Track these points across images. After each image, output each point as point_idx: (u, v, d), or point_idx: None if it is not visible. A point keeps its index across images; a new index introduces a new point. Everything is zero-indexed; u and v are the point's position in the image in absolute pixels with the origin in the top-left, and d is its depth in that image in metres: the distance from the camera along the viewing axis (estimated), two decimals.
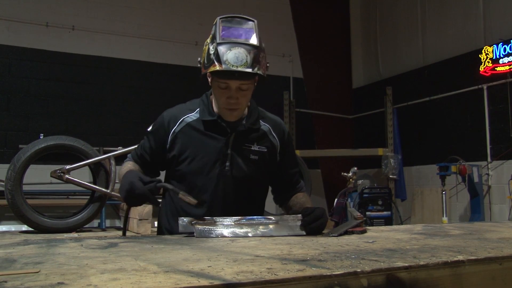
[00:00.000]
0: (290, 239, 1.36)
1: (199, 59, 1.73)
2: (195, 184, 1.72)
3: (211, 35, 1.68)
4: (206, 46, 1.68)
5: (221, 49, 1.60)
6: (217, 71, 1.60)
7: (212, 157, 1.72)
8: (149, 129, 1.87)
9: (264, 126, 1.82)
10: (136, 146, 1.95)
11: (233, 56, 1.59)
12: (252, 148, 1.76)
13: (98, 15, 6.25)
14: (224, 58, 1.59)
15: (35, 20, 5.89)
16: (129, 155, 1.91)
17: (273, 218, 1.51)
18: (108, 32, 6.27)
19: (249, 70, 1.60)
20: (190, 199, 1.55)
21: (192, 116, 1.77)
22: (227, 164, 1.72)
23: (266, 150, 1.79)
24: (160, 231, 1.86)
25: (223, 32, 1.64)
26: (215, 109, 1.77)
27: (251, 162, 1.75)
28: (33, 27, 5.88)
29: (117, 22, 6.35)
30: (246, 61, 1.60)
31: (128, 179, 1.58)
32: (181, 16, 6.75)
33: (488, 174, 5.61)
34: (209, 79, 1.71)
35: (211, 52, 1.63)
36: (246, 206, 1.77)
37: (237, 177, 1.73)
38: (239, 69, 1.59)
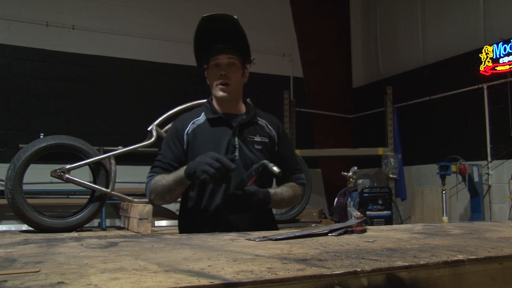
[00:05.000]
0: (290, 240, 1.36)
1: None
2: None
3: None
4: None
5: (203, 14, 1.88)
6: (200, 24, 1.87)
7: (222, 149, 1.89)
8: (163, 143, 2.01)
9: (262, 121, 2.03)
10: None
11: (212, 14, 1.86)
12: (255, 139, 1.96)
13: (98, 15, 6.25)
14: (205, 15, 1.86)
15: (35, 19, 5.89)
16: (150, 174, 1.95)
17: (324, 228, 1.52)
18: (108, 31, 6.27)
19: (229, 14, 1.85)
20: (275, 169, 1.72)
21: (200, 119, 1.98)
22: (236, 153, 1.90)
23: (267, 140, 1.99)
24: (182, 231, 1.98)
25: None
26: (217, 109, 1.98)
27: (257, 151, 1.94)
28: (33, 27, 5.88)
29: (117, 22, 6.35)
30: (226, 14, 1.86)
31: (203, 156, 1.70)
32: (181, 15, 6.75)
33: (488, 174, 5.61)
34: (207, 74, 1.99)
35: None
36: None
37: (245, 165, 1.88)
38: (219, 13, 1.84)
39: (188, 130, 1.94)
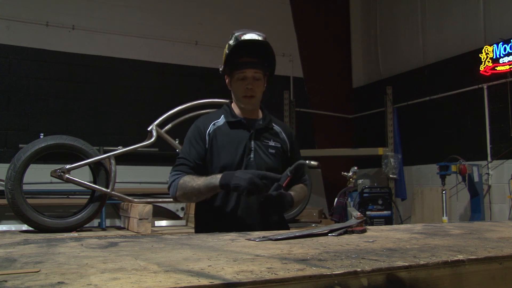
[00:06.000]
0: (290, 240, 1.36)
1: (220, 68, 2.10)
2: None
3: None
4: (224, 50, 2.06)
5: (236, 33, 1.99)
6: (233, 49, 1.97)
7: (239, 151, 2.02)
8: (185, 143, 2.09)
9: (276, 128, 2.18)
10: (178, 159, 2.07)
11: (246, 35, 1.98)
12: (269, 144, 2.10)
13: (98, 15, 6.25)
14: (237, 35, 1.97)
15: (35, 19, 5.89)
16: (175, 173, 2.02)
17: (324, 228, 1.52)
18: (108, 31, 6.27)
19: (261, 38, 1.99)
20: (313, 163, 1.90)
21: (220, 121, 2.10)
22: (251, 156, 2.03)
23: (280, 145, 2.13)
24: (198, 229, 2.10)
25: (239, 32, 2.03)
26: (236, 113, 2.11)
27: (270, 155, 2.08)
28: (33, 27, 5.88)
29: (117, 22, 6.35)
30: (258, 36, 1.99)
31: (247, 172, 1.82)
32: (181, 15, 6.75)
33: (488, 174, 5.61)
34: (229, 81, 2.09)
35: (229, 42, 2.01)
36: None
37: (260, 167, 2.00)
38: (249, 36, 1.97)
39: (209, 131, 2.06)
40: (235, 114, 2.12)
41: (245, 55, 2.03)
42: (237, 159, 2.00)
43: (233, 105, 2.15)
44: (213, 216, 2.03)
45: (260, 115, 2.18)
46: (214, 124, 2.08)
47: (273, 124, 2.17)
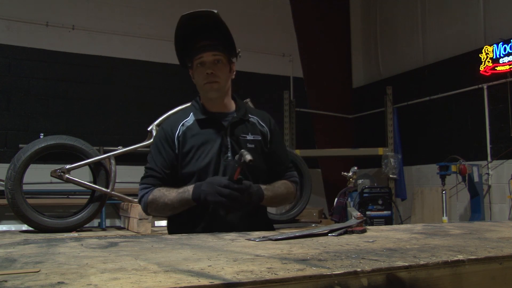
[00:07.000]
0: (290, 240, 1.36)
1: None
2: (204, 178, 1.75)
3: None
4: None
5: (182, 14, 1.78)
6: (180, 24, 1.77)
7: (214, 151, 1.82)
8: (152, 149, 1.90)
9: (253, 118, 1.95)
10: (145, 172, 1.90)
11: (191, 11, 1.77)
12: (247, 138, 1.88)
13: (98, 15, 6.25)
14: (184, 14, 1.77)
15: (35, 19, 5.89)
16: (144, 186, 1.87)
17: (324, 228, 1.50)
18: (108, 31, 6.27)
19: (209, 10, 1.75)
20: (247, 157, 1.58)
21: (189, 120, 1.89)
22: (229, 154, 1.82)
23: (260, 138, 1.91)
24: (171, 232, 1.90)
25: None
26: (206, 108, 1.90)
27: (249, 150, 1.77)
28: (33, 27, 5.88)
29: (117, 22, 6.35)
30: (206, 10, 1.76)
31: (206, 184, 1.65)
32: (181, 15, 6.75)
33: (488, 174, 5.61)
34: (192, 73, 1.91)
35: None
36: None
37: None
38: (198, 10, 1.75)
39: (178, 133, 1.85)
40: (204, 110, 1.89)
41: (200, 40, 1.81)
42: (214, 161, 1.80)
43: (202, 101, 1.92)
44: (187, 221, 1.84)
45: (233, 106, 1.94)
46: (183, 125, 1.87)
47: (249, 115, 1.94)
